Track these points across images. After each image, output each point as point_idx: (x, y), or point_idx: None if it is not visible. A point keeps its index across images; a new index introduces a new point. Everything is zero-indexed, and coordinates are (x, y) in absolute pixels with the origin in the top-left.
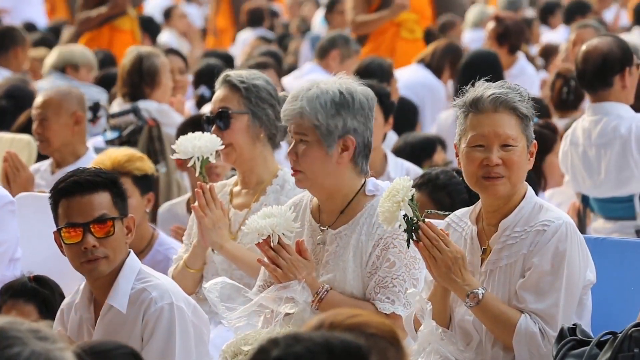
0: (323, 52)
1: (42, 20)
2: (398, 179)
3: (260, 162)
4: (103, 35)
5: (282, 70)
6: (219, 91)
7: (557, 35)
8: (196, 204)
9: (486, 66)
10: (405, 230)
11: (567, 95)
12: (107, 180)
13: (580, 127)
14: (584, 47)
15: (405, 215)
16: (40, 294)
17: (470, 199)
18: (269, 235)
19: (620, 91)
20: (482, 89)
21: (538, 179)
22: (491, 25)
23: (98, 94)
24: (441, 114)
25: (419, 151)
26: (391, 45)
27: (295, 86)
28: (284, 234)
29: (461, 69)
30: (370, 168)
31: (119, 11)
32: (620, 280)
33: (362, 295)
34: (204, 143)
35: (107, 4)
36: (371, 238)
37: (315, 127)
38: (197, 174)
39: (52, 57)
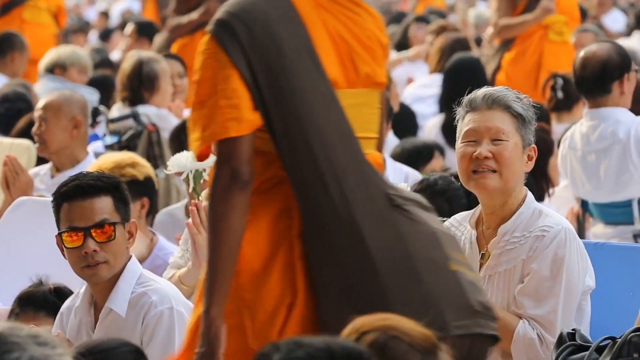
0: None
1: None
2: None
3: None
4: (197, 41)
5: None
6: None
7: None
8: (190, 220)
9: (469, 72)
10: None
11: (555, 93)
12: (109, 184)
13: (579, 132)
14: (582, 54)
15: None
16: (59, 308)
17: (469, 204)
18: None
19: (618, 97)
20: (478, 90)
21: (546, 183)
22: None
23: (89, 95)
24: (428, 122)
25: (416, 157)
26: (539, 49)
27: None
28: None
29: (444, 75)
30: None
31: (210, 18)
32: (620, 285)
33: None
34: None
35: (198, 10)
36: None
37: None
38: (190, 190)
39: (43, 59)
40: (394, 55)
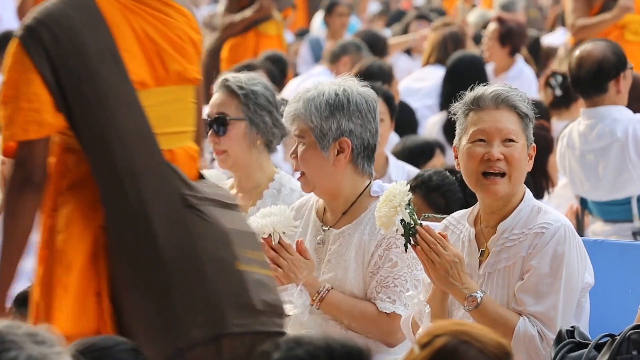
0: (334, 58)
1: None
2: (395, 184)
3: (256, 167)
4: (248, 41)
5: (285, 74)
6: (217, 95)
7: (555, 37)
8: None
9: (472, 70)
10: (403, 235)
11: (553, 90)
12: None
13: (576, 130)
14: (577, 53)
15: (402, 220)
16: None
17: (465, 198)
18: (269, 235)
19: (615, 96)
20: (482, 88)
21: (545, 180)
22: (493, 26)
23: None
24: (429, 119)
25: (417, 155)
26: None
27: (300, 89)
28: (284, 233)
29: (446, 73)
30: None
31: (264, 15)
32: (618, 283)
33: (362, 294)
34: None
35: (251, 7)
36: (374, 238)
37: (310, 129)
38: None
39: None
40: (393, 40)
